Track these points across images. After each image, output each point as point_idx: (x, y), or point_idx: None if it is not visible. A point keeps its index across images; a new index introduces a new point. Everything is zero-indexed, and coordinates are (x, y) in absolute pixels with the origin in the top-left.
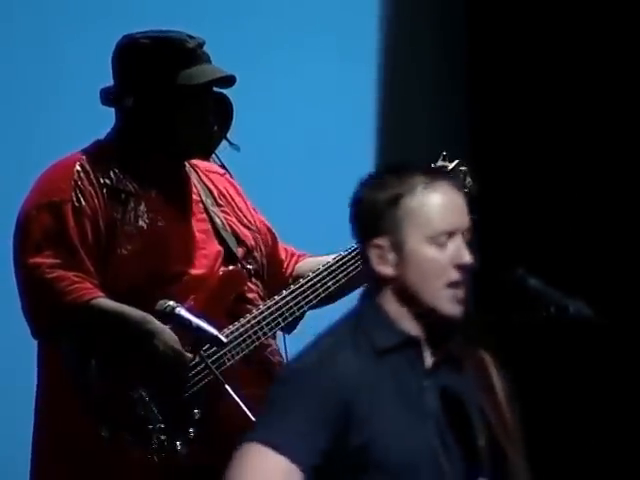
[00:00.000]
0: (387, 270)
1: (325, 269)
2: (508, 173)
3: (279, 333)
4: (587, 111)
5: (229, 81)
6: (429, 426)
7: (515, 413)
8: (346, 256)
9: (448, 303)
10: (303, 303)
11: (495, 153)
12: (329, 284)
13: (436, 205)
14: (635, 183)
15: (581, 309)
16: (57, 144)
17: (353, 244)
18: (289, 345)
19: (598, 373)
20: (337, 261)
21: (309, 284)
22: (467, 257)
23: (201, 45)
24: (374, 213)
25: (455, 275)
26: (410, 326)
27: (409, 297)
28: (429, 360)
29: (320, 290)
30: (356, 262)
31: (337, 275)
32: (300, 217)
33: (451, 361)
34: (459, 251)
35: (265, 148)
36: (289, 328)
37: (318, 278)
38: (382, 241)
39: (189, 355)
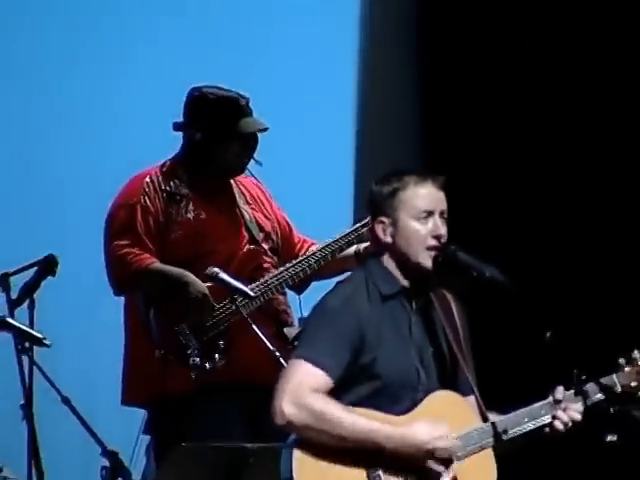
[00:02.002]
0: (387, 239)
1: (310, 254)
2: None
3: (293, 294)
4: (526, 117)
5: (264, 130)
6: (413, 350)
7: (469, 337)
8: (324, 247)
9: (426, 260)
10: (300, 273)
11: (445, 148)
12: (311, 262)
13: (419, 194)
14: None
15: (495, 274)
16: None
17: (327, 239)
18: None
19: (509, 322)
20: (319, 249)
21: (300, 262)
22: (441, 230)
23: (248, 102)
24: (380, 200)
25: (432, 242)
26: (403, 279)
27: (401, 257)
28: (415, 303)
29: (305, 266)
30: (330, 250)
31: (317, 257)
32: (294, 215)
33: (429, 303)
34: (435, 225)
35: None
36: (298, 290)
37: (305, 259)
38: (385, 219)
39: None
